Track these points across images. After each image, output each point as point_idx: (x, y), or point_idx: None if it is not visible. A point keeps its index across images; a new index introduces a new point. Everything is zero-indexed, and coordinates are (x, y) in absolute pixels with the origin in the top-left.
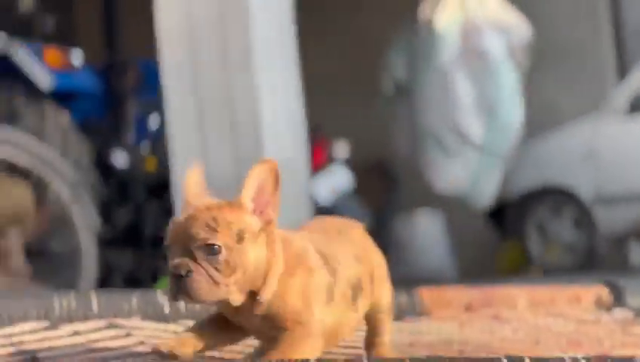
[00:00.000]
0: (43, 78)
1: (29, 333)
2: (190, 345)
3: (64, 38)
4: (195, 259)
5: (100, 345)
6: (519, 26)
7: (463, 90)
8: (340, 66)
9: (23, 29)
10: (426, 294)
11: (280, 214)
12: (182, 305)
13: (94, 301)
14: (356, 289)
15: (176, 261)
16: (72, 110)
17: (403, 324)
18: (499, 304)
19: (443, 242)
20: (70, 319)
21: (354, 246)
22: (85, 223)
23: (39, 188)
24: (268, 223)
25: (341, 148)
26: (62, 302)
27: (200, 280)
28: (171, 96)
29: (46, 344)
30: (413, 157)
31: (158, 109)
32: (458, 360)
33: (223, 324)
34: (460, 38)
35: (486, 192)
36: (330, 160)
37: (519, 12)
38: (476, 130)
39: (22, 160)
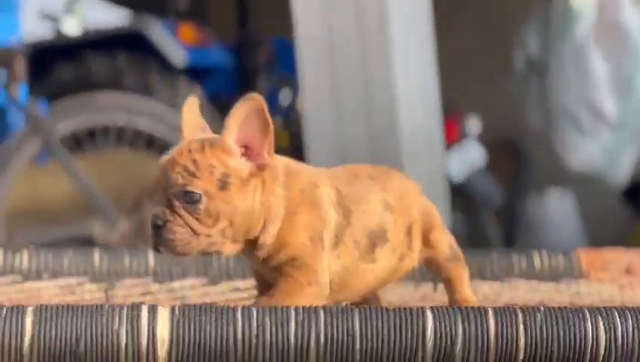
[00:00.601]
0: (177, 54)
1: (190, 289)
2: None
3: (197, 15)
4: (172, 208)
5: None
6: None
7: (599, 66)
8: (473, 42)
9: (158, 7)
10: (584, 256)
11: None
12: None
13: None
14: (375, 239)
15: (154, 210)
16: (205, 86)
17: (560, 286)
18: None
19: (575, 221)
20: (229, 276)
21: (385, 193)
22: None
23: None
24: (262, 168)
25: (473, 124)
26: (220, 259)
27: (177, 230)
28: (306, 71)
29: (207, 299)
30: (546, 135)
31: (290, 85)
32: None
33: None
34: (596, 12)
35: (621, 171)
36: (462, 135)
37: None
38: (611, 107)
39: (160, 132)
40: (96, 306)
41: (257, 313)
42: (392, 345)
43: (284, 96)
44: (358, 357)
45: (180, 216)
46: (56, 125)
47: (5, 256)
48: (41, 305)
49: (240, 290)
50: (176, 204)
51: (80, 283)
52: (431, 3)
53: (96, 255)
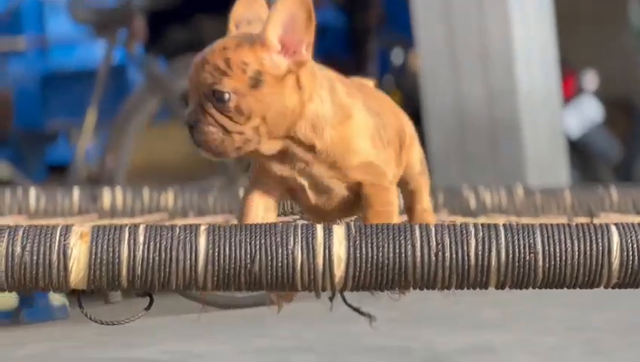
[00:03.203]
0: None
1: None
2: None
3: None
4: (203, 108)
5: None
6: None
7: None
8: None
9: None
10: None
11: (535, 145)
12: (486, 199)
13: None
14: (400, 141)
15: (187, 110)
16: (316, 46)
17: None
18: None
19: None
20: None
21: (386, 100)
22: None
23: None
24: (300, 64)
25: (590, 80)
26: None
27: (208, 130)
28: (422, 30)
29: None
30: None
31: (401, 44)
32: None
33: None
34: None
35: None
36: (579, 92)
37: None
38: None
39: None
40: (270, 225)
41: (436, 231)
42: (576, 262)
43: (396, 56)
44: (540, 275)
45: (210, 115)
46: (175, 83)
47: (151, 195)
48: (213, 225)
49: None
50: (207, 103)
51: (227, 221)
52: None
53: (241, 192)
